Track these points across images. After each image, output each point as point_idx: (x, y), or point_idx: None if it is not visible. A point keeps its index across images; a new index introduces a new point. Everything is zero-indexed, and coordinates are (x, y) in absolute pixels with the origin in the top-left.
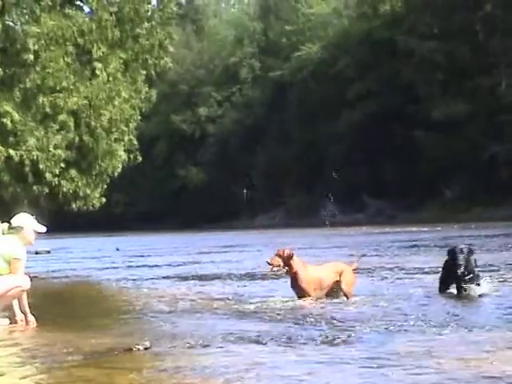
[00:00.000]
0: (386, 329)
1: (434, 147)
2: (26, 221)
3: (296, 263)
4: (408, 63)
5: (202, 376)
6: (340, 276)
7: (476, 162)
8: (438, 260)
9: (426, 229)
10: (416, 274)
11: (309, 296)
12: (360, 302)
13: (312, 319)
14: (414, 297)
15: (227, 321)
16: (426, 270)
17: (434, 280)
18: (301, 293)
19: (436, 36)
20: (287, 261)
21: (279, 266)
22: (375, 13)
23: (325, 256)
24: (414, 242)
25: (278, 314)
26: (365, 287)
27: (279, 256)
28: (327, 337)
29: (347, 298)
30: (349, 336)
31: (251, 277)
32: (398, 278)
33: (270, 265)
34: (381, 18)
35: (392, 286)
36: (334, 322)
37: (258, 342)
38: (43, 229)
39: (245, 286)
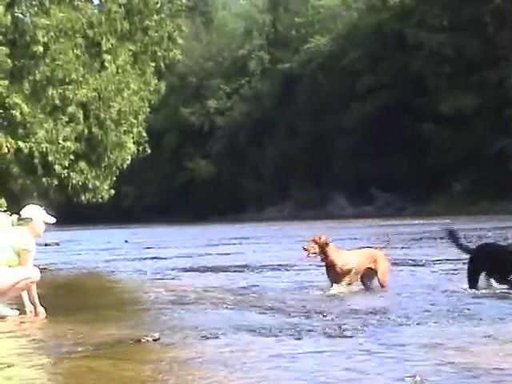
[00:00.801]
0: (394, 320)
1: (442, 140)
2: (35, 212)
3: (331, 250)
4: (417, 56)
5: (212, 367)
6: (374, 263)
7: (484, 156)
8: (448, 252)
9: (434, 221)
10: (425, 265)
11: (343, 282)
12: (368, 294)
13: (321, 311)
14: (424, 288)
15: (238, 313)
16: (436, 261)
17: (440, 271)
18: (336, 279)
19: (445, 29)
20: (323, 247)
21: (315, 252)
22: (384, 5)
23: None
24: (423, 234)
25: (289, 306)
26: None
27: (315, 242)
28: (336, 329)
29: (382, 286)
30: (357, 328)
31: (261, 269)
32: (409, 270)
33: (305, 251)
34: (390, 11)
35: (403, 277)
36: (343, 313)
37: (268, 334)
38: (53, 220)
39: (255, 278)
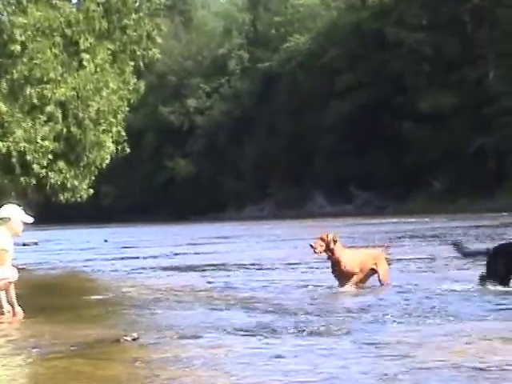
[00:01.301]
0: (378, 319)
1: (421, 139)
2: (13, 212)
3: (338, 248)
4: (396, 54)
5: (191, 367)
6: (376, 264)
7: (462, 154)
8: (428, 251)
9: (413, 220)
10: (404, 264)
11: (349, 281)
12: (353, 292)
13: (302, 309)
14: (404, 286)
15: (217, 312)
16: (416, 259)
17: (419, 270)
18: (342, 277)
19: (424, 27)
20: (330, 245)
21: (322, 249)
22: (364, 4)
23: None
24: (403, 233)
25: (267, 305)
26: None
27: (322, 240)
28: (315, 327)
29: (382, 285)
30: (339, 326)
31: (240, 268)
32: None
33: (312, 248)
34: (369, 10)
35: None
36: (324, 312)
37: (247, 333)
38: (31, 219)
39: (234, 277)
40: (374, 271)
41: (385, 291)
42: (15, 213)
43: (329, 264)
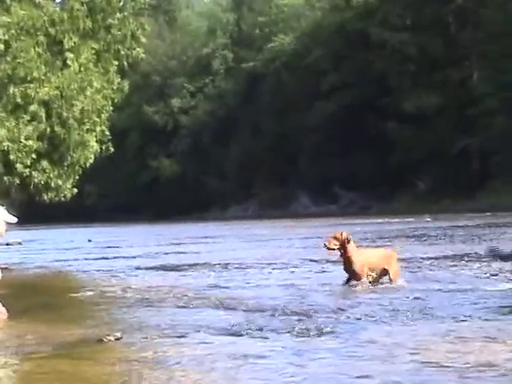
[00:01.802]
0: (360, 319)
1: (406, 139)
2: None
3: (351, 247)
4: (380, 55)
5: (174, 367)
6: (388, 264)
7: (446, 155)
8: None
9: (397, 220)
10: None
11: (359, 280)
12: (337, 292)
13: (285, 309)
14: (387, 287)
15: (200, 312)
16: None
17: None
18: (354, 276)
19: (408, 28)
20: (344, 244)
21: (335, 248)
22: (348, 4)
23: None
24: (386, 233)
25: (252, 305)
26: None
27: (336, 239)
28: (298, 327)
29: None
30: (322, 326)
31: (224, 268)
32: None
33: (326, 247)
34: (353, 10)
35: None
36: (308, 312)
37: (232, 333)
38: (14, 219)
39: (218, 277)
40: (386, 271)
41: (369, 291)
42: None
43: (313, 265)
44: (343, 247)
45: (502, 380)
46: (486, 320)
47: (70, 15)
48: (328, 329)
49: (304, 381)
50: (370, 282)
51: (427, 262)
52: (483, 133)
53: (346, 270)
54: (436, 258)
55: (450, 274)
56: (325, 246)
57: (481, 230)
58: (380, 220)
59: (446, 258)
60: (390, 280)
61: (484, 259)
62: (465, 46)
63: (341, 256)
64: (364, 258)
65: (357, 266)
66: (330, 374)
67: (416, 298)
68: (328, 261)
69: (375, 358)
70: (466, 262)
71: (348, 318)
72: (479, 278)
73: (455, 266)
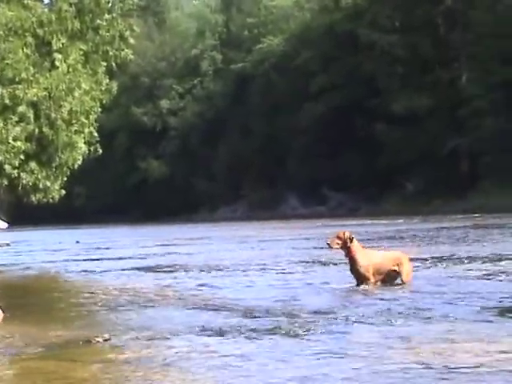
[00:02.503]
0: (349, 320)
1: (395, 140)
2: None
3: (355, 246)
4: (369, 56)
5: (162, 368)
6: (398, 266)
7: (436, 156)
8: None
9: (386, 221)
10: None
11: (366, 280)
12: (325, 292)
13: (271, 310)
14: (378, 287)
15: (188, 313)
16: None
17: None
18: (358, 277)
19: (397, 29)
20: (347, 243)
21: (337, 247)
22: (337, 6)
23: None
24: (374, 235)
25: (239, 306)
26: (336, 278)
27: (339, 238)
28: (283, 328)
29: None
30: (310, 327)
31: (212, 269)
32: None
33: (329, 246)
34: (342, 11)
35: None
36: (294, 313)
37: (218, 334)
38: (4, 225)
39: (206, 278)
40: (396, 272)
41: (354, 292)
42: None
43: (301, 266)
44: (346, 246)
45: (494, 380)
46: (477, 321)
47: (58, 16)
48: (316, 329)
49: (290, 381)
50: (374, 284)
51: (414, 262)
52: (473, 133)
53: (350, 270)
54: (425, 260)
55: (437, 274)
56: (328, 244)
57: (471, 230)
58: (368, 221)
59: (435, 258)
60: (402, 282)
61: (474, 260)
62: (454, 48)
63: (345, 255)
64: (368, 258)
65: (361, 267)
66: (318, 375)
67: (401, 299)
68: (315, 261)
69: (364, 358)
70: (456, 263)
71: (333, 318)
72: (470, 278)
73: (447, 266)
